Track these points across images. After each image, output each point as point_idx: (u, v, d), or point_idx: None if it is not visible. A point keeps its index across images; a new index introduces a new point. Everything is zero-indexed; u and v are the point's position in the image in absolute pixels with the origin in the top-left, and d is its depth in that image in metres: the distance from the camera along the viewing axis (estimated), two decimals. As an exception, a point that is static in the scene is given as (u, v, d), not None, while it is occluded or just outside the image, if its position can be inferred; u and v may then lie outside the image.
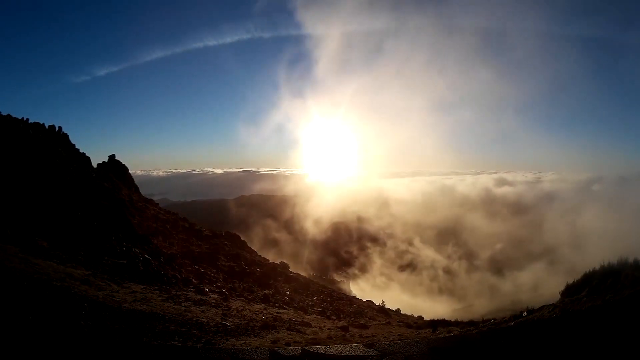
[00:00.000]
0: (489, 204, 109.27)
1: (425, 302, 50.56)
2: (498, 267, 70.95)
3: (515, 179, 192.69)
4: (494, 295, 57.44)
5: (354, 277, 62.93)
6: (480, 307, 48.91)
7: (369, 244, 75.40)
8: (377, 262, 70.10)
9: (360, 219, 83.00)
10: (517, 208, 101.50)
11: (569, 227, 79.75)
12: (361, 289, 49.77)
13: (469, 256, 76.37)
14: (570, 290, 10.39)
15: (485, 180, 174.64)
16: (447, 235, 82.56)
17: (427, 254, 74.91)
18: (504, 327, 6.73)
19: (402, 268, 69.90)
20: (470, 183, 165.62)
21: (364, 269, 67.31)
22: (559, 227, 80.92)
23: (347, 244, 74.79)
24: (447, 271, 70.11)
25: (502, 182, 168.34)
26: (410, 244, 77.83)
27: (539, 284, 57.85)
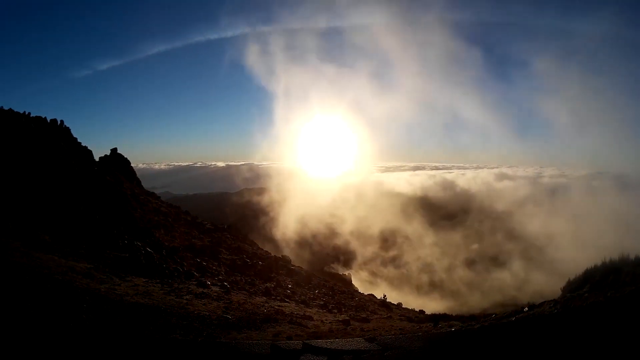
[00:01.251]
0: (487, 198, 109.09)
1: (417, 299, 50.77)
2: (490, 263, 71.05)
3: (516, 173, 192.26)
4: (487, 292, 57.68)
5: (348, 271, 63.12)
6: (475, 303, 49.15)
7: (366, 240, 75.31)
8: (370, 258, 70.27)
9: (356, 215, 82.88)
10: (514, 203, 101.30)
11: (562, 223, 79.87)
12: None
13: (463, 252, 76.33)
14: (571, 286, 10.40)
15: (486, 175, 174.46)
16: (440, 230, 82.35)
17: (419, 250, 74.90)
18: (505, 322, 6.73)
19: (393, 265, 70.03)
20: (471, 177, 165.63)
21: (357, 265, 67.48)
22: (553, 223, 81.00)
23: (345, 239, 74.80)
24: (438, 268, 70.08)
25: (502, 177, 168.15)
26: (405, 240, 77.81)
27: (530, 280, 58.11)
